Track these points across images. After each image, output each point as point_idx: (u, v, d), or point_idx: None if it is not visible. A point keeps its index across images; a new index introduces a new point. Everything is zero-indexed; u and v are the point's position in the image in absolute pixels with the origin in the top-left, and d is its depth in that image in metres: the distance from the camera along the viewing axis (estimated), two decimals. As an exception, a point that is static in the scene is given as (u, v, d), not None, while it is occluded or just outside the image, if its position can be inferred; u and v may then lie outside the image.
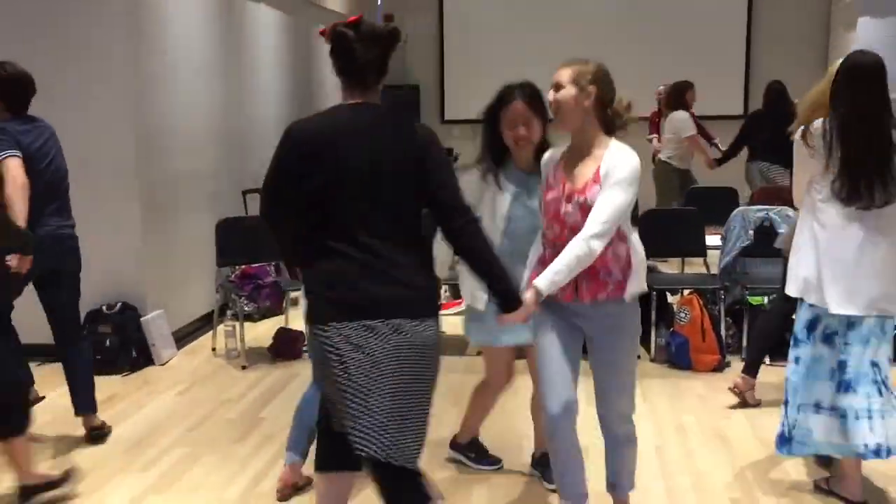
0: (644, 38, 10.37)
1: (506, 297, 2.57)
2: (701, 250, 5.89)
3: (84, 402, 4.09)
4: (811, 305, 3.29)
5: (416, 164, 2.50)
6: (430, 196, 2.52)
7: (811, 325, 3.33)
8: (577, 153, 2.80)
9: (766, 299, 5.46)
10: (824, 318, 3.27)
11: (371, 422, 2.42)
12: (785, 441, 3.42)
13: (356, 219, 2.48)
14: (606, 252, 2.73)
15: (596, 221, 2.66)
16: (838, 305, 3.18)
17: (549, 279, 2.66)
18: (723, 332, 5.21)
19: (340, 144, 2.47)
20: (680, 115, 7.70)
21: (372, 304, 2.45)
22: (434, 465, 3.81)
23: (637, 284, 2.88)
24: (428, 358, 2.52)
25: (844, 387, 3.24)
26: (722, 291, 5.38)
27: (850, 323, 3.22)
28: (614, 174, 2.68)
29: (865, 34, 8.94)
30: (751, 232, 5.29)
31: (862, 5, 9.03)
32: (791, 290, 3.37)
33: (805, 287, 3.29)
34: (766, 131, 6.93)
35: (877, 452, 3.20)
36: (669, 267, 7.05)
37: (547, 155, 2.94)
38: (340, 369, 2.44)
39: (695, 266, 6.89)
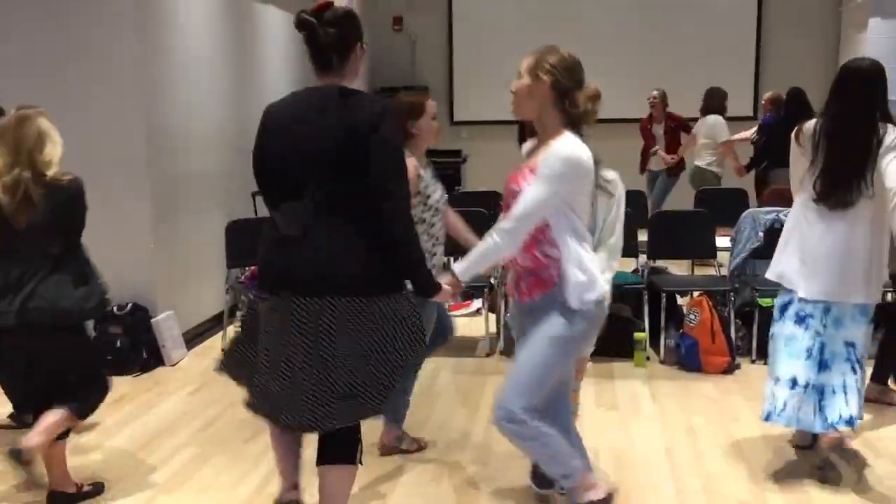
0: (654, 40, 10.36)
1: (420, 284, 2.68)
2: (711, 252, 5.88)
3: None
4: (787, 290, 3.59)
5: (357, 145, 2.56)
6: (364, 177, 2.57)
7: (784, 307, 3.62)
8: (540, 145, 2.74)
9: (775, 301, 5.45)
10: (797, 302, 3.54)
11: (260, 380, 2.74)
12: (769, 411, 3.63)
13: (291, 194, 2.65)
14: (536, 252, 2.66)
15: (508, 215, 2.62)
16: (806, 291, 3.49)
17: (463, 266, 2.70)
18: (732, 334, 5.19)
19: (291, 122, 2.69)
20: (717, 120, 7.66)
21: (274, 276, 2.68)
22: (443, 469, 3.81)
23: (577, 297, 2.65)
24: (328, 333, 2.61)
25: (823, 366, 3.53)
26: (732, 293, 5.36)
27: (826, 308, 3.49)
28: (539, 168, 2.60)
29: (876, 35, 8.92)
30: (761, 233, 5.28)
31: (872, 6, 9.00)
32: (769, 273, 3.65)
33: (781, 272, 3.60)
34: (785, 138, 6.87)
35: (849, 422, 3.52)
36: (679, 268, 7.04)
37: (524, 146, 2.91)
38: (243, 326, 2.84)
39: (704, 268, 6.89)
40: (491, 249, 2.66)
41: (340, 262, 2.60)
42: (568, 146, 2.60)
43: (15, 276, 3.22)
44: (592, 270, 2.68)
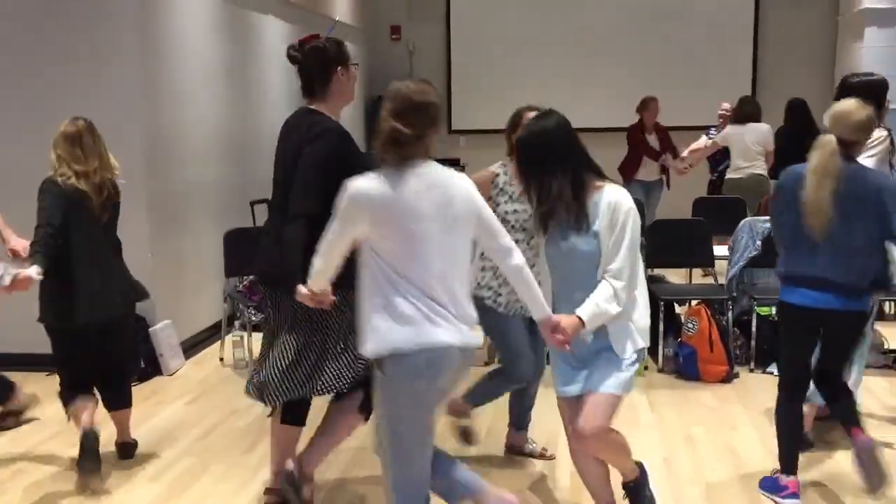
0: (651, 50, 10.38)
1: (285, 279, 2.93)
2: (709, 261, 5.89)
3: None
4: None
5: (298, 161, 3.02)
6: None
7: None
8: None
9: (773, 310, 5.44)
10: None
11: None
12: None
13: (272, 202, 3.29)
14: None
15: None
16: None
17: (311, 277, 2.75)
18: (731, 343, 5.20)
19: (278, 139, 3.20)
20: (768, 128, 7.62)
21: (258, 272, 3.34)
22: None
23: (370, 344, 2.49)
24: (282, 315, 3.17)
25: None
26: (730, 302, 5.37)
27: None
28: None
29: (872, 44, 8.96)
30: (759, 242, 5.29)
31: (868, 16, 9.04)
32: None
33: None
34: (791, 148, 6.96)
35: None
36: (677, 277, 7.05)
37: None
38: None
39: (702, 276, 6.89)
40: (313, 272, 2.71)
41: (274, 257, 3.07)
42: (353, 182, 2.50)
43: (103, 271, 3.72)
44: (387, 321, 2.46)
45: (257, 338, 5.78)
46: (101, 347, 3.85)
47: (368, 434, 4.11)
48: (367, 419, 3.26)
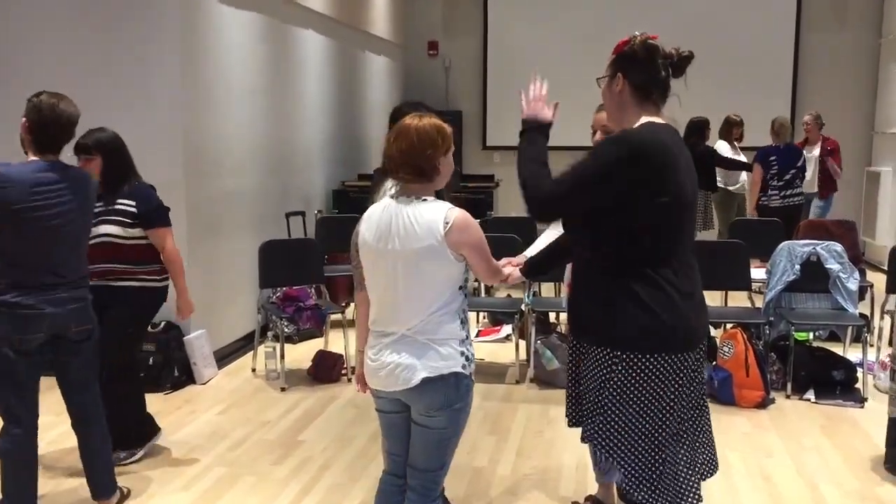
0: (691, 73, 10.29)
1: None
2: (745, 284, 5.80)
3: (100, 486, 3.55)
4: None
5: None
6: None
7: None
8: None
9: (811, 335, 5.36)
10: None
11: None
12: None
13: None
14: None
15: None
16: None
17: None
18: (767, 368, 5.11)
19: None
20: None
21: None
22: (472, 496, 3.78)
23: None
24: None
25: None
26: (767, 326, 5.29)
27: None
28: None
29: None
30: (797, 266, 5.22)
31: (912, 39, 8.93)
32: None
33: None
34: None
35: None
36: (713, 300, 6.96)
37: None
38: None
39: (739, 300, 6.80)
40: None
41: None
42: None
43: None
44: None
45: (289, 349, 5.84)
46: None
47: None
48: None
